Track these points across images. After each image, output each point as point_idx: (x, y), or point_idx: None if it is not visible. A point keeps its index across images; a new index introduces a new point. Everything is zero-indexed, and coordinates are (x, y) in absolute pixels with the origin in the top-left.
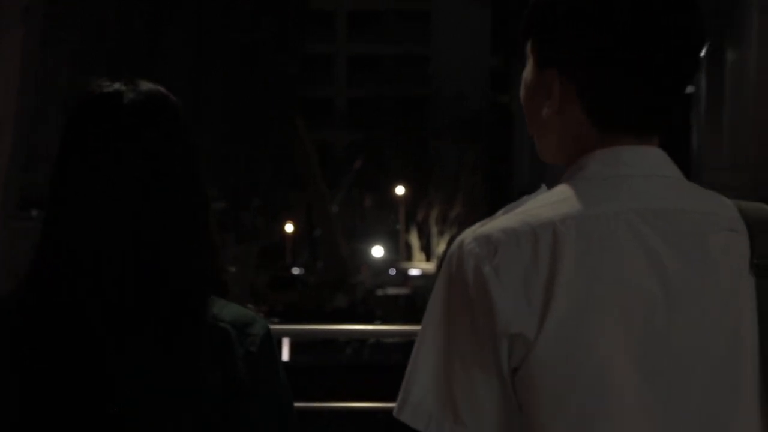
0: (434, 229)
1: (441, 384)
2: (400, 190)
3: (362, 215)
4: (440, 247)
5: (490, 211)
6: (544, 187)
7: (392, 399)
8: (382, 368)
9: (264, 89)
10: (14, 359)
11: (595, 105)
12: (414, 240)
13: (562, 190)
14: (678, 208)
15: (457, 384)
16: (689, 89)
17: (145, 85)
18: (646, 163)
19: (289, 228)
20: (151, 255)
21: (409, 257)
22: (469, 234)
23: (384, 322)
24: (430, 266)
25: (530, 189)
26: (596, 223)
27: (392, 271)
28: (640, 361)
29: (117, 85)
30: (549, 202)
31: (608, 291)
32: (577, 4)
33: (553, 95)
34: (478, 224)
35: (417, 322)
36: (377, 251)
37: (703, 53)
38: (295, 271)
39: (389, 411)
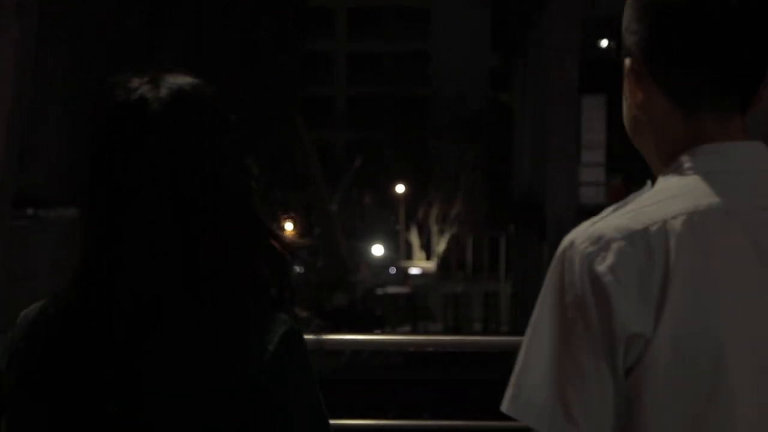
0: (434, 228)
1: (554, 382)
2: (400, 188)
3: (362, 214)
4: (440, 246)
5: (490, 210)
6: (648, 184)
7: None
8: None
9: (264, 89)
10: (45, 362)
11: (672, 85)
12: (414, 239)
13: (669, 187)
14: None
15: (570, 383)
16: None
17: (170, 86)
18: (753, 158)
19: (288, 227)
20: (177, 259)
21: (409, 256)
22: (580, 233)
23: (384, 321)
24: (430, 265)
25: (531, 188)
26: (706, 219)
27: (392, 270)
28: (753, 355)
29: (142, 90)
30: (658, 200)
31: (720, 286)
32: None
33: (633, 81)
34: (587, 223)
35: (417, 321)
36: (377, 250)
37: None
38: (295, 270)
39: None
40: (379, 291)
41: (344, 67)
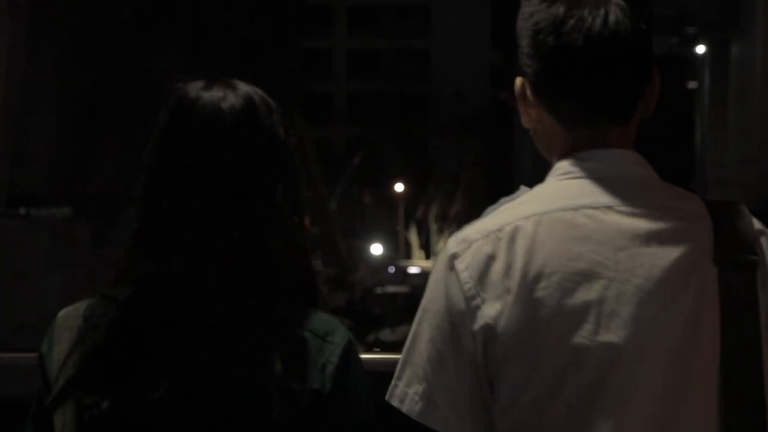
0: (434, 227)
1: (421, 372)
2: (399, 187)
3: (361, 213)
4: (440, 245)
5: None
6: (523, 188)
7: None
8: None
9: (263, 87)
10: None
11: (556, 109)
12: (413, 238)
13: (537, 190)
14: (638, 202)
15: (434, 372)
16: (691, 85)
17: (240, 92)
18: (617, 165)
19: None
20: (226, 261)
21: (408, 255)
22: (453, 236)
23: (382, 321)
24: (430, 264)
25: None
26: (554, 218)
27: (391, 270)
28: (589, 345)
29: (215, 93)
30: (522, 202)
31: (560, 279)
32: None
33: (521, 97)
34: (466, 226)
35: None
36: (376, 249)
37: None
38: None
39: None
40: (378, 290)
41: (344, 64)
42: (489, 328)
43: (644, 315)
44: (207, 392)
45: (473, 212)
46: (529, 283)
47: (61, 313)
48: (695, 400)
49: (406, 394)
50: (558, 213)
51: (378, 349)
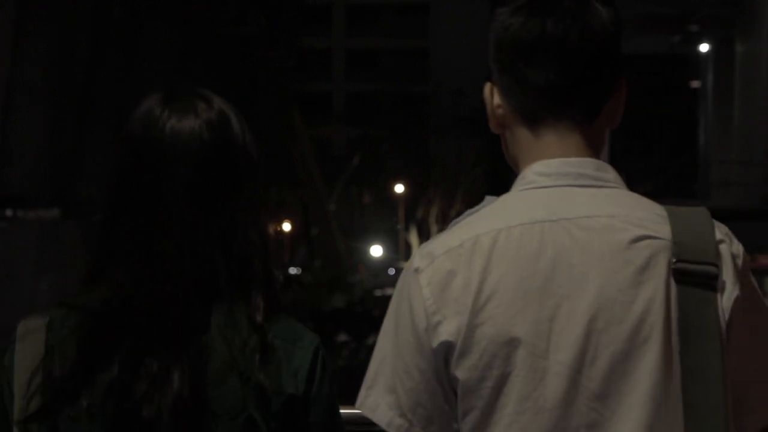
0: (434, 228)
1: (391, 384)
2: (399, 188)
3: (361, 213)
4: None
5: None
6: (488, 198)
7: None
8: None
9: (260, 85)
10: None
11: (519, 105)
12: (413, 239)
13: (498, 204)
14: (597, 214)
15: (401, 384)
16: (694, 84)
17: (214, 109)
18: (579, 173)
19: (286, 227)
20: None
21: (408, 257)
22: (419, 250)
23: (381, 323)
24: None
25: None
26: (510, 234)
27: (391, 271)
28: (540, 362)
29: (188, 118)
30: (483, 216)
31: (513, 296)
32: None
33: (490, 101)
34: (432, 238)
35: None
36: (376, 250)
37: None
38: (293, 270)
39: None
40: (378, 293)
41: (343, 63)
42: (448, 345)
43: (593, 332)
44: (185, 398)
45: None
46: (484, 301)
47: (21, 324)
48: (632, 418)
49: (378, 404)
50: (515, 228)
51: None
